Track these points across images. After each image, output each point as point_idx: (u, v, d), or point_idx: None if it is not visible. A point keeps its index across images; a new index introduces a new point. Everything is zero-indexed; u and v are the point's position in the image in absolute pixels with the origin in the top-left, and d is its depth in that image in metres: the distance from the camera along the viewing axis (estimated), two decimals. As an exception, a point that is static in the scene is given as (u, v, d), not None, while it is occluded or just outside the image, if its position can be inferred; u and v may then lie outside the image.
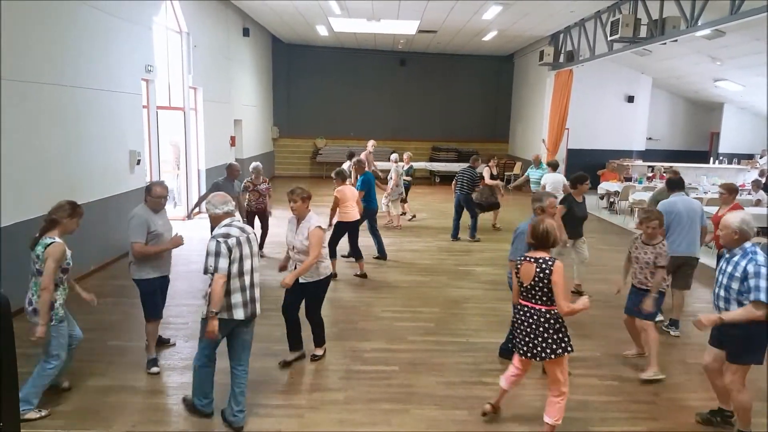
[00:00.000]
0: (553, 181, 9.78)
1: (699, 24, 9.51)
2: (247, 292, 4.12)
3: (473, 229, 10.70)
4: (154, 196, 4.94)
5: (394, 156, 12.13)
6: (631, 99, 18.78)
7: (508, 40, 17.55)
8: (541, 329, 3.90)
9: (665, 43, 10.88)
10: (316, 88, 20.28)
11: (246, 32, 15.72)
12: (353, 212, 7.97)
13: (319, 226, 4.91)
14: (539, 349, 3.91)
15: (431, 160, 20.26)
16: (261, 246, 8.99)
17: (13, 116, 6.15)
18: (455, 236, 10.68)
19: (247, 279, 4.11)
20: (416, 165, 12.25)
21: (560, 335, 3.90)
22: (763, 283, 3.71)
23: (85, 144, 7.66)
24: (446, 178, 19.41)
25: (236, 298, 4.05)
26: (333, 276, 7.83)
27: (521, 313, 4.03)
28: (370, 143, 13.33)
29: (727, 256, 4.04)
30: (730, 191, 6.59)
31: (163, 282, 5.21)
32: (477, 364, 5.36)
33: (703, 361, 4.35)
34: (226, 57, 14.29)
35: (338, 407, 4.52)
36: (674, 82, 18.68)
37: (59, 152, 7.10)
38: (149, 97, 9.78)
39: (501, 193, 11.68)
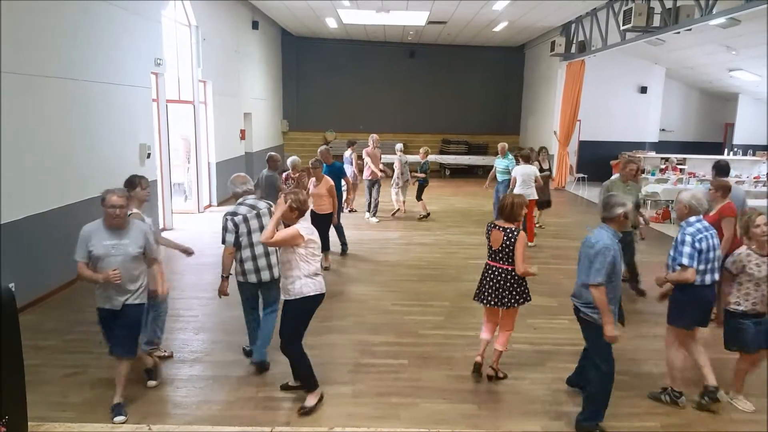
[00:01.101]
0: (524, 173, 9.31)
1: (714, 12, 9.34)
2: (256, 261, 4.77)
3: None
4: (106, 206, 4.07)
5: (398, 146, 12.02)
6: (644, 90, 18.54)
7: (519, 30, 17.38)
8: (507, 285, 4.71)
9: (679, 33, 10.69)
10: (325, 81, 20.24)
11: (255, 25, 15.70)
12: (327, 205, 7.88)
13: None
14: (506, 300, 4.72)
15: (441, 153, 20.17)
16: None
17: (22, 110, 6.19)
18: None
19: (256, 249, 4.76)
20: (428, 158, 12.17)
21: (521, 289, 4.73)
22: (687, 249, 4.23)
23: (95, 138, 7.69)
24: (456, 172, 19.35)
25: (247, 265, 4.77)
26: (326, 268, 7.91)
27: (490, 272, 4.83)
28: (371, 138, 12.94)
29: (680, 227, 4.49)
30: (718, 188, 5.91)
31: (113, 316, 4.18)
32: (486, 358, 5.32)
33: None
34: (235, 50, 14.28)
35: (347, 401, 4.52)
36: (688, 73, 18.40)
37: (69, 146, 7.13)
38: (159, 90, 9.80)
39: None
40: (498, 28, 16.60)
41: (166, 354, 5.21)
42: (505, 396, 4.65)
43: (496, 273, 4.77)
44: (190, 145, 12.28)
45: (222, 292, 4.83)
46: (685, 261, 4.22)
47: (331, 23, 16.52)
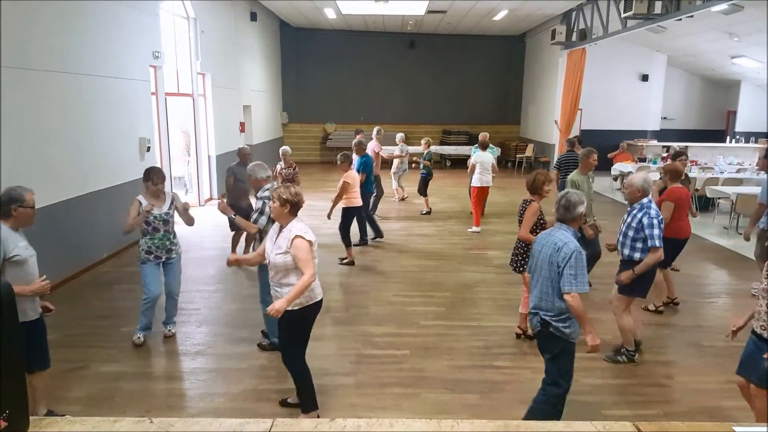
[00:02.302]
0: (483, 161, 9.87)
1: (716, -2, 9.27)
2: None
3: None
4: (26, 206, 3.69)
5: (399, 135, 12.04)
6: (645, 78, 18.43)
7: (520, 19, 17.27)
8: (519, 251, 5.41)
9: (681, 19, 10.60)
10: (324, 72, 20.15)
11: (253, 17, 15.60)
12: (358, 198, 7.96)
13: (301, 236, 3.75)
14: (518, 266, 5.39)
15: (442, 143, 20.10)
16: None
17: (21, 105, 6.17)
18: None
19: None
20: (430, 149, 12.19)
21: (525, 256, 5.17)
22: (656, 231, 4.67)
23: (94, 132, 7.67)
24: (457, 162, 19.28)
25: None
26: (351, 264, 7.94)
27: (516, 241, 5.47)
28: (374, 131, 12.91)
29: (629, 209, 4.90)
30: (670, 173, 6.26)
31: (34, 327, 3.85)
32: (488, 347, 5.34)
33: (609, 298, 5.36)
34: (234, 42, 14.21)
35: (349, 391, 4.53)
36: (690, 60, 18.29)
37: (68, 140, 7.12)
38: (158, 83, 9.76)
39: None
40: (498, 17, 16.49)
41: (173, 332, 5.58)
42: (507, 386, 4.65)
43: (516, 241, 5.48)
44: (189, 138, 12.26)
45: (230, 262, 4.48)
46: (657, 243, 4.67)
47: (330, 14, 16.41)
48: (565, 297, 3.50)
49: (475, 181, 9.89)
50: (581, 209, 3.68)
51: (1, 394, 1.79)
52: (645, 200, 4.80)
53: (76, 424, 2.18)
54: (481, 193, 10.06)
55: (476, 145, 10.94)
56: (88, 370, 4.81)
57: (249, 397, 4.44)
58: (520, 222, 5.34)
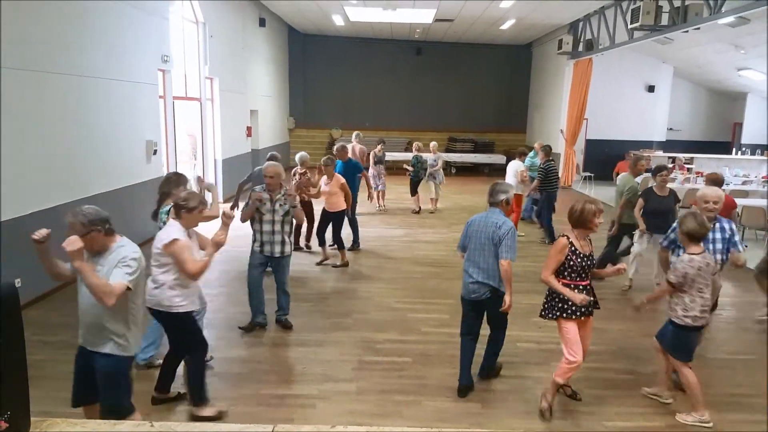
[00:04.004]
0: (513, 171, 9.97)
1: (722, 11, 9.27)
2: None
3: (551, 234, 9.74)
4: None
5: (433, 144, 12.21)
6: (651, 88, 18.43)
7: (526, 28, 17.31)
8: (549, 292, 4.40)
9: (687, 31, 10.62)
10: (331, 78, 20.23)
11: (262, 22, 15.70)
12: (339, 201, 7.92)
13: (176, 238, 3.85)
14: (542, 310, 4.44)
15: (448, 150, 20.10)
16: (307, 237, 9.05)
17: (29, 107, 6.22)
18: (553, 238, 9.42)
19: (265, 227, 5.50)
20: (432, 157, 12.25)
21: (547, 299, 4.34)
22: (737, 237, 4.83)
23: (101, 134, 7.72)
24: (462, 169, 19.29)
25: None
26: (345, 265, 7.98)
27: None
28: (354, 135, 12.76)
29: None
30: (713, 182, 6.18)
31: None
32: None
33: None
34: (242, 47, 14.30)
35: (350, 398, 4.52)
36: (696, 71, 18.28)
37: (76, 143, 7.17)
38: (165, 87, 9.82)
39: None
40: (505, 26, 16.54)
41: None
42: (509, 395, 4.64)
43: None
44: (196, 142, 12.31)
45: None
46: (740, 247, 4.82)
47: (338, 20, 16.50)
48: (502, 262, 4.30)
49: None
50: (503, 196, 4.46)
51: (2, 394, 1.80)
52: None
53: (78, 425, 2.19)
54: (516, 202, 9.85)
55: (533, 153, 11.26)
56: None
57: (249, 402, 4.43)
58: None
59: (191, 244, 3.96)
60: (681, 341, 4.25)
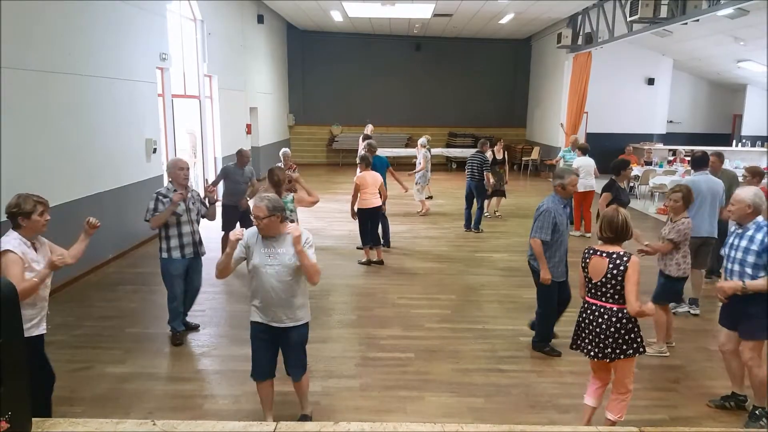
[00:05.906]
0: (584, 165, 9.84)
1: (721, 2, 9.24)
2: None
3: (478, 221, 10.19)
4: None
5: (422, 140, 11.88)
6: (651, 81, 18.39)
7: (526, 22, 17.26)
8: (612, 329, 3.60)
9: (686, 24, 10.60)
10: (331, 74, 20.19)
11: (260, 19, 15.66)
12: (373, 199, 7.91)
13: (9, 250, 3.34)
14: (609, 350, 3.61)
15: (448, 146, 20.10)
16: None
17: (28, 106, 6.20)
18: (469, 227, 10.21)
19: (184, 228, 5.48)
20: (433, 151, 11.98)
21: (632, 336, 3.61)
22: None
23: (101, 133, 7.71)
24: (462, 164, 19.24)
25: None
26: (368, 263, 7.97)
27: (589, 311, 3.75)
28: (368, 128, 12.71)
29: (739, 231, 4.06)
30: (753, 174, 6.40)
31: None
32: (494, 351, 5.32)
33: (719, 343, 4.38)
34: (240, 44, 14.26)
35: (354, 394, 4.52)
36: (696, 64, 18.24)
37: (75, 141, 7.15)
38: (164, 85, 9.80)
39: (505, 180, 11.30)
40: (504, 21, 16.49)
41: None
42: (513, 389, 4.63)
43: (598, 314, 3.69)
44: (196, 140, 12.29)
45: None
46: None
47: (337, 16, 16.45)
48: (531, 240, 4.96)
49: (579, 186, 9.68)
50: (557, 181, 5.03)
51: (3, 395, 1.79)
52: (760, 219, 3.96)
53: (80, 425, 2.18)
54: (583, 197, 9.82)
55: (567, 148, 11.24)
56: (93, 371, 4.82)
57: (252, 400, 4.42)
58: (606, 287, 3.65)
59: (30, 258, 3.41)
60: (673, 289, 5.16)
